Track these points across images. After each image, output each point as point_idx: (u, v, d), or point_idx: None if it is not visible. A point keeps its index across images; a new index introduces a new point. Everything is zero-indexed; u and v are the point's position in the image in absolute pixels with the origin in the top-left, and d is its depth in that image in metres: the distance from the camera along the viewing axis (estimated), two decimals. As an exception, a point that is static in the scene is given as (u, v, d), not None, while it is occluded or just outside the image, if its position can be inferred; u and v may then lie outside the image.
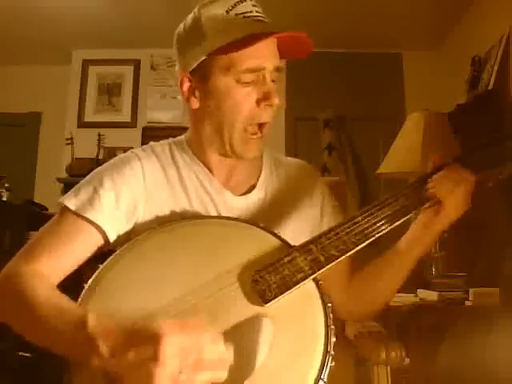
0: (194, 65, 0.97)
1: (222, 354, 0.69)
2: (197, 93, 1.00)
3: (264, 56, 0.96)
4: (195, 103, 1.00)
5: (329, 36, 3.66)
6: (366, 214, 0.92)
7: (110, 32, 3.85)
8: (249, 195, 1.04)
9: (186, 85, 1.00)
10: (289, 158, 1.19)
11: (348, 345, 1.26)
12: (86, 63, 4.23)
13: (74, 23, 3.72)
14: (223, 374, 0.70)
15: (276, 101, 0.96)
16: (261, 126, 0.99)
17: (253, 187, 1.06)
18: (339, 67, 3.99)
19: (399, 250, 1.02)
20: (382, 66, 4.03)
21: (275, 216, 1.04)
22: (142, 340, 0.68)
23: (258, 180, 1.07)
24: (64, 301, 0.82)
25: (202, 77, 0.98)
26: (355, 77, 3.98)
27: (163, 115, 4.13)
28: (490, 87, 2.71)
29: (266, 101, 0.96)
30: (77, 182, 1.00)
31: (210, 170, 1.04)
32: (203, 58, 0.96)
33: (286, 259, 0.86)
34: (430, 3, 3.27)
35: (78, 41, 4.05)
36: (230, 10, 0.95)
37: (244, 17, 0.95)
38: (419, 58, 4.01)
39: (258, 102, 0.96)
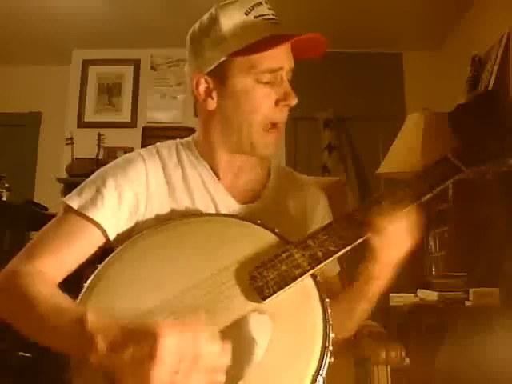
0: (213, 66, 0.98)
1: (220, 351, 0.70)
2: (214, 94, 1.00)
3: (282, 57, 0.98)
4: (212, 104, 1.00)
5: (329, 36, 3.64)
6: (364, 209, 0.92)
7: (110, 32, 3.85)
8: (250, 205, 1.04)
9: (203, 86, 1.00)
10: (300, 175, 1.19)
11: (348, 345, 1.25)
12: (86, 63, 4.23)
13: (74, 23, 3.72)
14: (221, 372, 0.70)
15: (294, 101, 0.98)
16: (274, 125, 1.00)
17: (257, 196, 1.06)
18: (339, 67, 3.99)
19: (351, 295, 0.98)
20: (382, 66, 4.03)
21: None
22: (140, 337, 0.68)
23: (262, 190, 1.07)
24: (64, 299, 0.82)
25: (220, 78, 0.98)
26: (355, 77, 3.98)
27: (163, 115, 4.13)
28: (490, 87, 2.71)
29: (285, 101, 0.98)
30: (77, 182, 1.01)
31: (216, 173, 1.04)
32: (223, 59, 0.96)
33: (283, 255, 0.86)
34: (430, 3, 3.27)
35: (78, 41, 4.05)
36: (249, 11, 0.96)
37: (263, 19, 0.97)
38: (419, 58, 4.01)
39: (276, 103, 0.98)
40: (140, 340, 0.68)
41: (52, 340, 0.79)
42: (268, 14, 0.98)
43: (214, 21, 0.98)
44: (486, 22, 3.04)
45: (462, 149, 0.98)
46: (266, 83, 0.97)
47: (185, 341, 0.68)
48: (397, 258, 0.91)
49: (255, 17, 0.96)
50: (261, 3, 0.98)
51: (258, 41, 0.94)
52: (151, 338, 0.67)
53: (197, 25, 1.03)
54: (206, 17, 1.01)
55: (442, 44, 3.87)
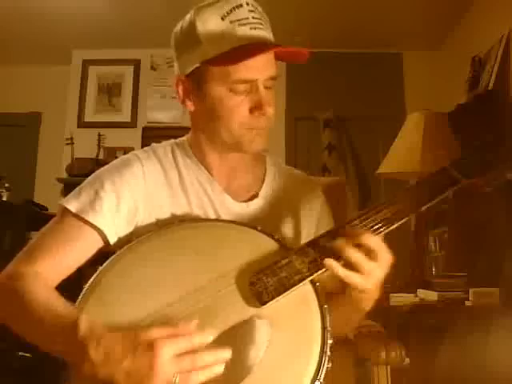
0: (190, 69, 0.97)
1: (217, 353, 0.72)
2: (191, 96, 1.00)
3: (257, 68, 0.93)
4: (190, 106, 1.01)
5: (329, 36, 3.67)
6: (364, 216, 0.91)
7: (110, 32, 3.86)
8: (250, 202, 1.04)
9: (181, 87, 1.00)
10: (294, 170, 1.18)
11: (348, 345, 1.25)
12: (86, 63, 4.23)
13: (74, 23, 3.72)
14: (218, 372, 0.72)
15: (269, 110, 0.95)
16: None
17: (255, 195, 1.05)
18: (339, 67, 3.99)
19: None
20: (382, 66, 4.03)
21: (273, 225, 1.03)
22: (137, 348, 0.70)
23: (260, 188, 1.07)
24: (61, 304, 0.82)
25: (196, 82, 0.98)
26: (355, 77, 3.98)
27: (163, 115, 4.13)
28: (490, 87, 2.71)
29: (260, 110, 0.95)
30: (77, 182, 1.00)
31: (211, 173, 1.04)
32: (197, 66, 0.95)
33: (283, 261, 0.86)
34: (430, 3, 3.27)
35: (78, 41, 4.05)
36: (226, 16, 0.92)
37: (239, 24, 0.92)
38: (419, 58, 4.01)
39: (251, 111, 0.95)
40: (136, 351, 0.69)
41: (47, 345, 0.80)
42: (248, 18, 0.93)
43: (191, 23, 0.95)
44: (486, 22, 3.04)
45: (461, 160, 0.98)
46: (241, 92, 0.94)
47: (181, 348, 0.70)
48: (381, 278, 0.84)
49: (231, 22, 0.92)
50: (241, 5, 0.93)
51: (232, 50, 0.91)
52: (148, 349, 0.69)
53: (179, 25, 1.00)
54: (187, 17, 0.98)
55: (441, 44, 3.87)
